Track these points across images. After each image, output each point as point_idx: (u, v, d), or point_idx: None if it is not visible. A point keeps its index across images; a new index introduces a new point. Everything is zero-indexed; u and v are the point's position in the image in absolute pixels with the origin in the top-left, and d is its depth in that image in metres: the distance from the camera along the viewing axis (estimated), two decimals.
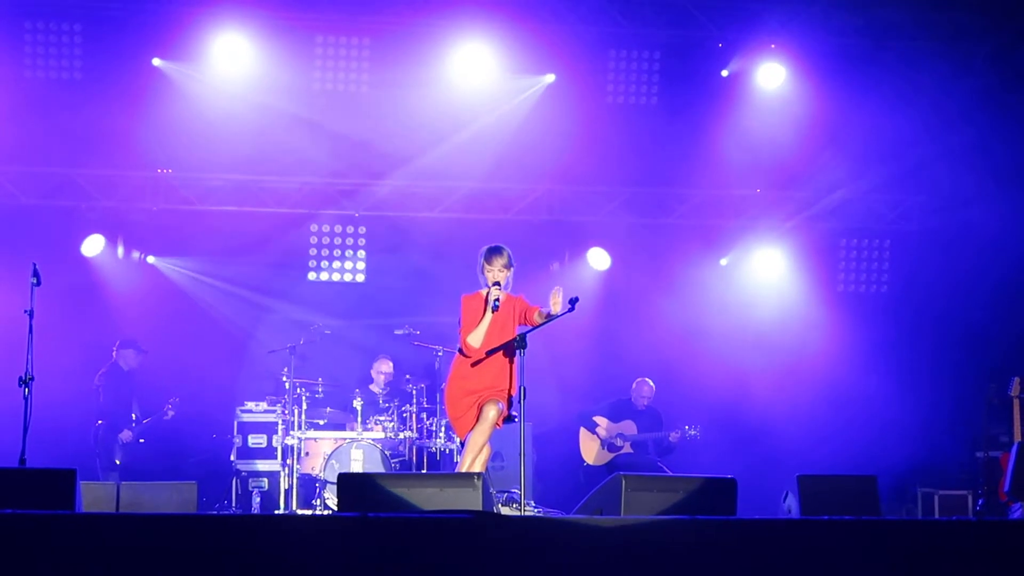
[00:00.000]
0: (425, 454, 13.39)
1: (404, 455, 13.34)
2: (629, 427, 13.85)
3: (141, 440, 13.61)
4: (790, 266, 15.50)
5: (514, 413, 9.28)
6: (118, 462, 13.34)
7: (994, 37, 13.80)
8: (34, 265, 9.62)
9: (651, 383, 13.98)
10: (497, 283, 9.32)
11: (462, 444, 9.53)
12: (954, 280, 14.75)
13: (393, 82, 13.99)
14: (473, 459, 9.15)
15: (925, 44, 14.06)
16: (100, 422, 13.48)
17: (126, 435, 13.51)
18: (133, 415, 13.66)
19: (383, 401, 13.72)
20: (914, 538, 6.65)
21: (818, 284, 15.52)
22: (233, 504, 13.48)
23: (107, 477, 13.06)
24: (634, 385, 14.02)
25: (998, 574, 6.50)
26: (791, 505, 9.34)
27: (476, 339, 9.31)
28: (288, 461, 13.31)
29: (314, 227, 14.96)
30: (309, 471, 13.16)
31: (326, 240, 15.02)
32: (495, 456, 12.49)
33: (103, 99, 13.57)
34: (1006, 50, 13.86)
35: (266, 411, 13.77)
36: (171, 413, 13.67)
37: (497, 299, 9.28)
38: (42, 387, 9.73)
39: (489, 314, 9.28)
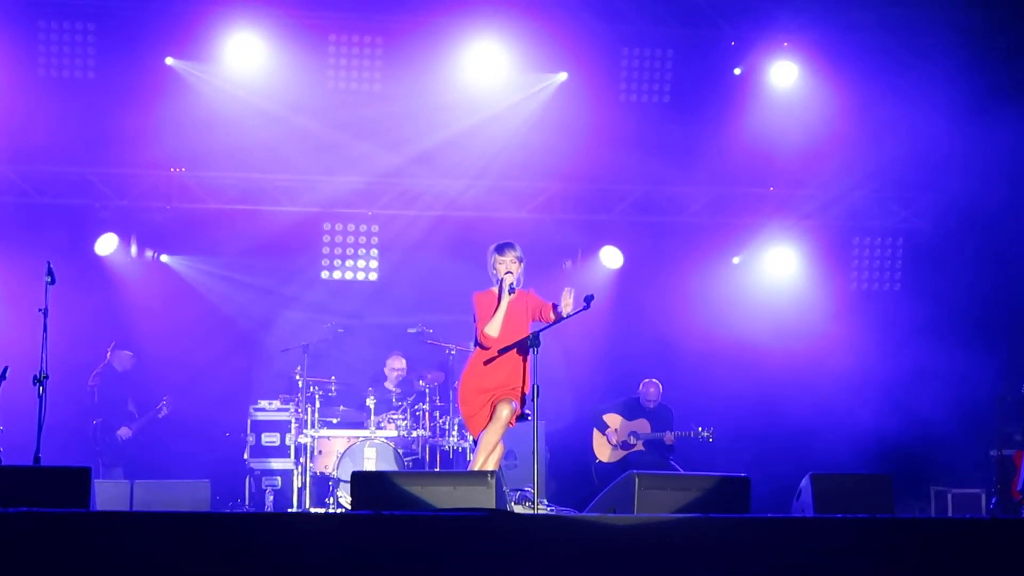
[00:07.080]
0: (438, 452, 13.40)
1: (417, 453, 13.34)
2: (643, 426, 13.81)
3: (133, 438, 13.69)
4: (803, 264, 15.45)
5: (527, 411, 9.29)
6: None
7: (1009, 33, 13.74)
8: (48, 264, 9.67)
9: (658, 384, 13.92)
10: (510, 272, 9.36)
11: (475, 442, 9.54)
12: (967, 279, 14.69)
13: (406, 81, 14.02)
14: (486, 457, 9.17)
15: (939, 41, 14.00)
16: (97, 420, 13.56)
17: (124, 432, 13.57)
18: (132, 410, 13.74)
19: (396, 399, 13.74)
20: (927, 537, 6.65)
21: (831, 282, 15.46)
22: (246, 503, 13.51)
23: (109, 475, 13.12)
24: (640, 387, 13.98)
25: (1012, 573, 6.49)
26: (805, 504, 9.32)
27: (494, 328, 9.32)
28: (301, 459, 13.33)
29: (327, 226, 14.96)
30: (322, 469, 13.17)
31: (339, 239, 15.01)
32: (508, 454, 12.46)
33: (117, 98, 13.61)
34: (1022, 46, 13.80)
35: (279, 409, 13.77)
36: (165, 411, 13.77)
37: (512, 284, 9.32)
38: (56, 386, 9.78)
39: (506, 298, 9.30)
